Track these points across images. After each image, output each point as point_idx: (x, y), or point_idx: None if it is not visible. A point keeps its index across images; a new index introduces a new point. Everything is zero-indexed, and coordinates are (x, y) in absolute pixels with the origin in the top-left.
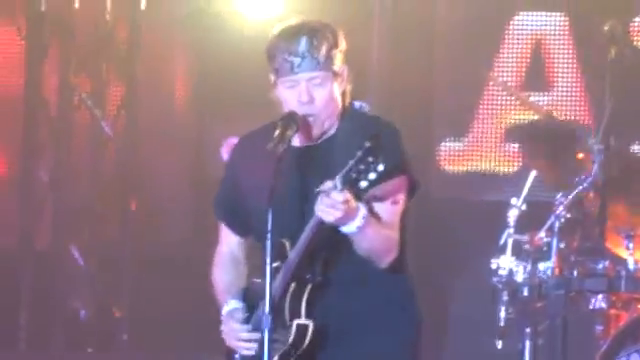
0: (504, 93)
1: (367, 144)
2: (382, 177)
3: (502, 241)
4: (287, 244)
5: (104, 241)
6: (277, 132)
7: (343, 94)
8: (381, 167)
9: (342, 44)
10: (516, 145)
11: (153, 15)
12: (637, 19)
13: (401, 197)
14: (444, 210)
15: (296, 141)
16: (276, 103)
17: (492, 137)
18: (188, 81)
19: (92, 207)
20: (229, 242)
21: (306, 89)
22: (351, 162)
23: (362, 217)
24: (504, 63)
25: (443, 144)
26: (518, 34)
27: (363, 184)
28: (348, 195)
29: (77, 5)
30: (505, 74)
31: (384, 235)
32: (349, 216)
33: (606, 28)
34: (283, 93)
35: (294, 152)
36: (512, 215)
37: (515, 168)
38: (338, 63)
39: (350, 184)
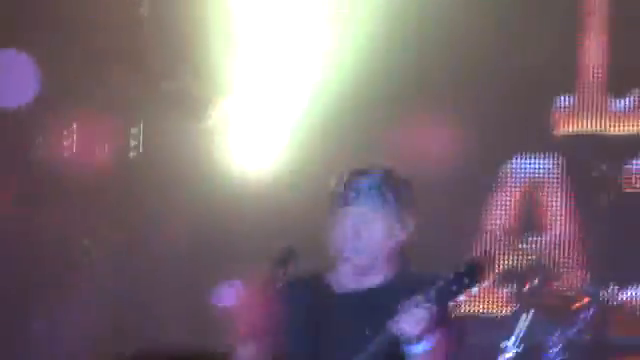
0: (497, 238)
1: (462, 268)
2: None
3: None
4: None
5: None
6: (273, 269)
7: (401, 250)
8: (475, 289)
9: (409, 195)
10: (509, 288)
11: (149, 161)
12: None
13: None
14: None
15: (344, 282)
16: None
17: (486, 279)
18: (186, 228)
19: None
20: None
21: (353, 224)
22: (441, 282)
23: (433, 339)
24: (498, 207)
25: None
26: (512, 178)
27: (450, 301)
28: (434, 312)
29: (71, 152)
30: (499, 218)
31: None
32: (426, 334)
33: (596, 173)
34: (332, 227)
35: (338, 299)
36: (507, 357)
37: (508, 312)
38: (397, 210)
39: (435, 300)
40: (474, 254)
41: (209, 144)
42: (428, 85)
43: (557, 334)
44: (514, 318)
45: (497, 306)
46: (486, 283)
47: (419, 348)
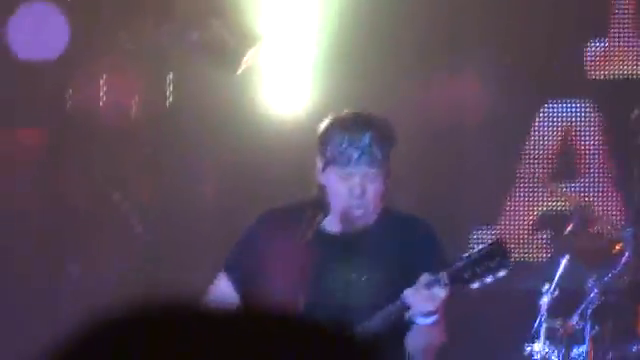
0: (534, 182)
1: (487, 249)
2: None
3: (535, 327)
4: None
5: None
6: (306, 218)
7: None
8: (502, 272)
9: (393, 139)
10: (547, 233)
11: (179, 111)
12: None
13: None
14: (476, 298)
15: (332, 226)
16: (313, 185)
17: (523, 225)
18: (216, 173)
19: (118, 307)
20: (222, 300)
21: (360, 183)
22: (463, 262)
23: (440, 312)
24: (534, 152)
25: (474, 233)
26: (547, 123)
27: (474, 285)
28: (448, 293)
29: (102, 103)
30: (535, 163)
31: (441, 333)
32: (438, 309)
33: (634, 115)
34: (332, 181)
35: (327, 239)
36: (544, 301)
37: (546, 256)
38: (389, 160)
39: (458, 282)
40: (510, 198)
41: (239, 93)
42: (456, 28)
43: (594, 279)
44: (551, 263)
45: (534, 251)
46: (503, 273)
47: (428, 320)
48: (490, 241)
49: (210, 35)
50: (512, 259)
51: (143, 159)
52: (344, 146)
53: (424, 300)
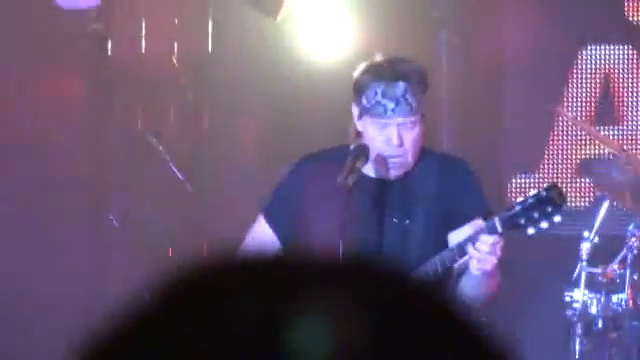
0: (574, 127)
1: (544, 193)
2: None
3: (575, 274)
4: None
5: None
6: (347, 163)
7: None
8: (558, 218)
9: (426, 84)
10: (588, 179)
11: (220, 57)
12: None
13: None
14: (516, 244)
15: (370, 171)
16: (351, 135)
17: (563, 171)
18: (258, 121)
19: (164, 253)
20: (266, 248)
21: (397, 133)
22: (519, 207)
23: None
24: (573, 97)
25: (514, 179)
26: (587, 67)
27: (530, 231)
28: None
29: (143, 49)
30: (575, 107)
31: (496, 281)
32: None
33: None
34: (369, 130)
35: (368, 182)
36: (585, 248)
37: (587, 201)
38: (425, 105)
39: (513, 228)
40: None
41: (279, 39)
42: None
43: (634, 225)
44: (592, 209)
45: (575, 197)
46: (559, 219)
47: (485, 268)
48: (546, 185)
49: None
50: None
51: (184, 105)
52: (379, 96)
53: (480, 247)
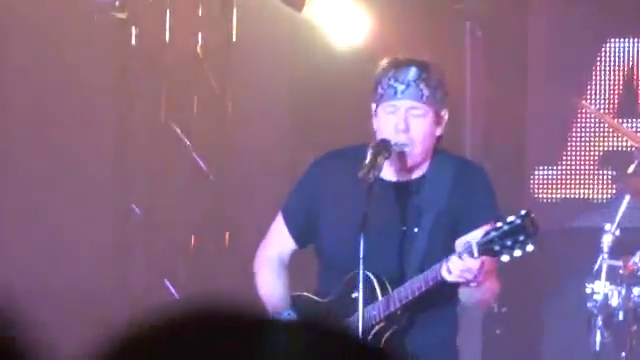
0: (597, 120)
1: (518, 221)
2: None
3: (596, 266)
4: (374, 281)
5: (199, 276)
6: (368, 159)
7: (439, 138)
8: (530, 248)
9: (446, 88)
10: (610, 171)
11: (244, 46)
12: None
13: None
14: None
15: (386, 174)
16: (372, 134)
17: (586, 164)
18: (281, 111)
19: (186, 242)
20: (283, 248)
21: (404, 117)
22: (494, 233)
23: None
24: (596, 90)
25: (537, 171)
26: (610, 61)
27: (504, 258)
28: (482, 262)
29: (167, 39)
30: (597, 101)
31: (491, 287)
32: (476, 278)
33: None
34: (381, 119)
35: (384, 185)
36: (606, 241)
37: (609, 194)
38: (441, 104)
39: (487, 253)
40: (573, 136)
41: (304, 30)
42: None
43: None
44: (613, 202)
45: (597, 190)
46: (531, 248)
47: (468, 286)
48: (521, 213)
49: None
50: (537, 233)
51: (208, 95)
52: (391, 81)
53: (458, 270)
